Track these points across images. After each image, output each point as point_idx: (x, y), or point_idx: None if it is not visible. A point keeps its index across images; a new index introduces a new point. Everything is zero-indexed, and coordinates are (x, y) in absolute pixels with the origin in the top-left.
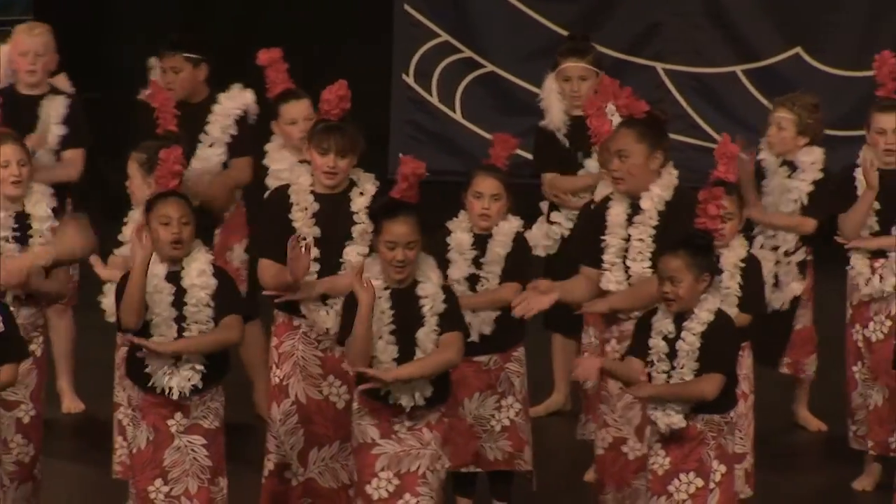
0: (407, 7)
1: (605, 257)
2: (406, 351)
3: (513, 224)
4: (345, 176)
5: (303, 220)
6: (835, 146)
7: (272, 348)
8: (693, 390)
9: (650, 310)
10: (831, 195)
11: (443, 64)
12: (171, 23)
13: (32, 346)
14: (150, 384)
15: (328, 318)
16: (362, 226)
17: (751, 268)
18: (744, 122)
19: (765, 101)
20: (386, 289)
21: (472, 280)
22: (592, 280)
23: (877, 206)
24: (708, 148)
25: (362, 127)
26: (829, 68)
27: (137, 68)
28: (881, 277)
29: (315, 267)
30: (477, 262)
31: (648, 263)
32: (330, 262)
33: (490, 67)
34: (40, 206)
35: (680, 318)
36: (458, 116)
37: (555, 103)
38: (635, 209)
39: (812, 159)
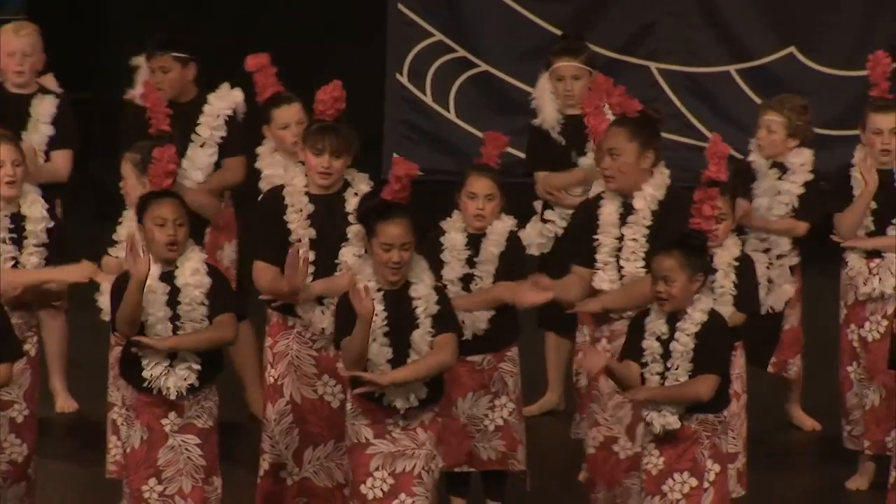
0: (401, 6)
1: (598, 256)
2: (400, 353)
3: (506, 223)
4: (339, 176)
5: (298, 221)
6: (829, 146)
7: (266, 348)
8: (688, 392)
9: (643, 311)
10: (825, 195)
11: (437, 63)
12: (165, 23)
13: (26, 346)
14: (145, 384)
15: (323, 317)
16: (357, 227)
17: (744, 267)
18: (737, 122)
19: (758, 101)
20: (379, 290)
21: (466, 280)
22: (585, 279)
23: (873, 205)
24: (702, 147)
25: (356, 127)
26: (823, 68)
27: (132, 68)
28: (880, 278)
29: (310, 269)
30: (471, 262)
31: (642, 263)
32: (326, 264)
33: (484, 67)
34: (36, 207)
35: (673, 319)
36: (452, 116)
37: (548, 102)
38: (627, 208)
39: (802, 161)
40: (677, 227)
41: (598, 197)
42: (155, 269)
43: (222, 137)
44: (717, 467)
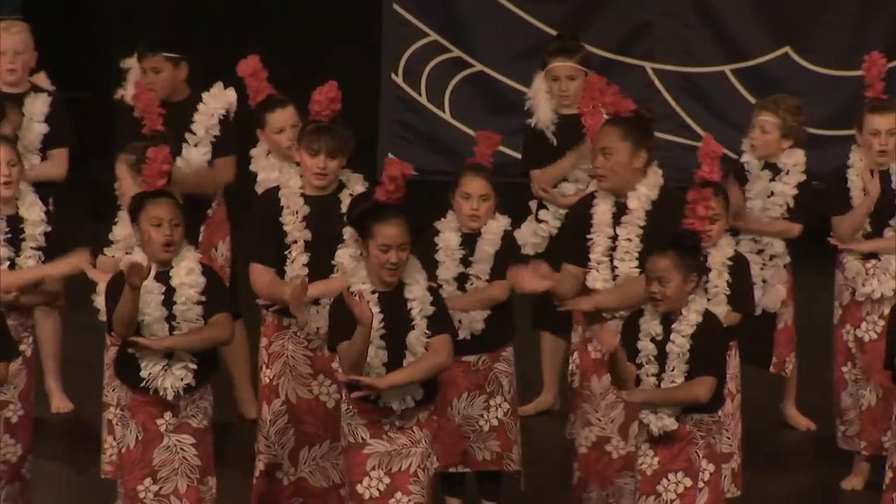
0: (395, 7)
1: (592, 256)
2: (395, 354)
3: (501, 223)
4: (334, 177)
5: (293, 223)
6: (824, 146)
7: (262, 349)
8: (686, 394)
9: (636, 311)
10: (820, 196)
11: (431, 63)
12: (160, 23)
13: (22, 347)
14: (142, 385)
15: (318, 317)
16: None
17: (739, 266)
18: (732, 122)
19: (753, 101)
20: (373, 293)
21: (461, 279)
22: (577, 278)
23: None
24: (697, 147)
25: (351, 127)
26: (818, 68)
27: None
28: (878, 279)
29: (306, 270)
30: (465, 261)
31: (636, 263)
32: (322, 265)
33: (479, 67)
34: (34, 209)
35: (667, 320)
36: (446, 116)
37: (543, 102)
38: (620, 207)
39: (794, 161)
40: (671, 227)
41: (591, 196)
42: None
43: (215, 136)
44: (711, 467)
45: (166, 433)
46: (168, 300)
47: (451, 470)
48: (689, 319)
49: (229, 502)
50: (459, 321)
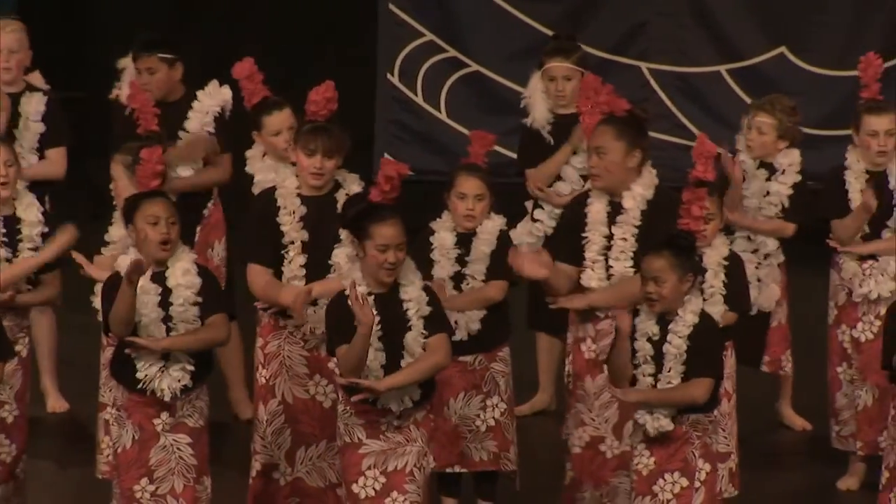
0: (391, 6)
1: (587, 254)
2: (393, 355)
3: (496, 222)
4: (331, 177)
5: (290, 223)
6: (819, 146)
7: (257, 349)
8: (684, 395)
9: (631, 311)
10: (817, 197)
11: (427, 63)
12: (157, 22)
13: (18, 347)
14: (139, 386)
15: (314, 316)
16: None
17: (734, 266)
18: (728, 122)
19: (749, 101)
20: (369, 294)
21: (457, 278)
22: (570, 277)
23: None
24: (692, 147)
25: (346, 127)
26: (814, 68)
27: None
28: (875, 280)
29: (303, 271)
30: (461, 261)
31: (631, 262)
32: (319, 266)
33: (475, 67)
34: (31, 210)
35: (663, 320)
36: (443, 116)
37: (539, 102)
38: (614, 207)
39: (790, 161)
40: (665, 227)
41: (585, 195)
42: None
43: (210, 134)
44: (707, 466)
45: (163, 433)
46: (164, 301)
47: (448, 470)
48: (686, 320)
49: (225, 503)
50: (456, 322)
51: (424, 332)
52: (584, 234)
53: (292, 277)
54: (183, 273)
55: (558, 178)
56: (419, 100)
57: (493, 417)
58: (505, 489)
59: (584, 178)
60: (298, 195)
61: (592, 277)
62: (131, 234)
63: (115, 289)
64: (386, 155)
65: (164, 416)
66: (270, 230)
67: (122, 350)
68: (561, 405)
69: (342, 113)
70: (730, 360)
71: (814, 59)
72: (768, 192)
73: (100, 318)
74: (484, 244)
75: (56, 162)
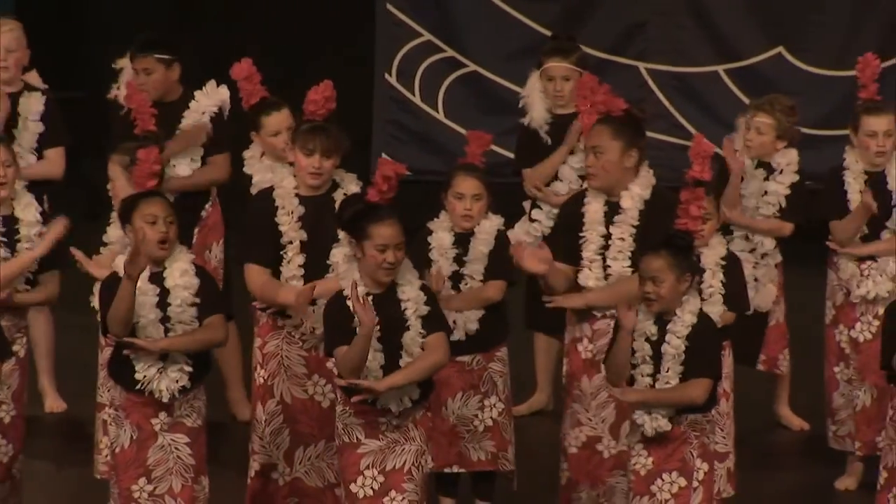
0: (389, 6)
1: (585, 254)
2: (391, 355)
3: (494, 222)
4: (329, 177)
5: (289, 223)
6: (817, 146)
7: (256, 349)
8: (682, 396)
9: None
10: (816, 197)
11: (425, 63)
12: (155, 22)
13: (15, 347)
14: (138, 386)
15: (314, 316)
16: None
17: (732, 266)
18: (726, 122)
19: (747, 101)
20: (368, 294)
21: (455, 278)
22: (567, 276)
23: None
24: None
25: (344, 127)
26: (811, 68)
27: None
28: (874, 280)
29: (302, 271)
30: (459, 261)
31: (628, 262)
32: (317, 265)
33: (472, 67)
34: (30, 210)
35: (661, 320)
36: (440, 116)
37: (537, 101)
38: (611, 206)
39: (788, 161)
40: (663, 226)
41: (582, 195)
42: (144, 271)
43: (208, 134)
44: (705, 466)
45: (161, 433)
46: (162, 302)
47: (446, 470)
48: (684, 320)
49: (223, 503)
50: (454, 322)
51: (423, 331)
52: (581, 234)
53: (291, 277)
54: (181, 274)
55: (556, 177)
56: (417, 100)
57: (491, 417)
58: (503, 489)
59: (582, 177)
60: (296, 195)
61: (590, 277)
62: (129, 235)
63: (112, 289)
64: (383, 155)
65: (163, 415)
66: (269, 230)
67: (120, 350)
68: (559, 405)
69: (340, 113)
70: (728, 360)
71: (811, 59)
72: (766, 192)
73: (98, 318)
74: (482, 244)
75: (55, 162)
